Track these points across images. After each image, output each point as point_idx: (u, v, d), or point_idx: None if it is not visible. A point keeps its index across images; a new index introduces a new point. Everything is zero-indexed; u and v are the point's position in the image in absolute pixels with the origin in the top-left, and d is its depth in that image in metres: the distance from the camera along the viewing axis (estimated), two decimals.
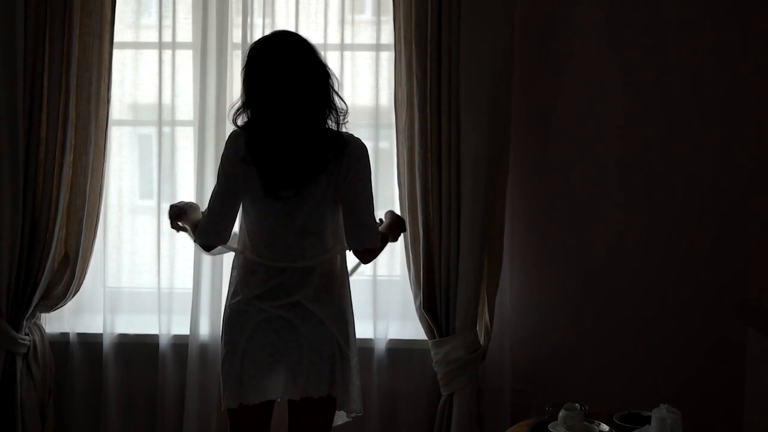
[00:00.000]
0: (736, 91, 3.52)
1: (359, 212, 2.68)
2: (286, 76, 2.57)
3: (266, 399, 2.70)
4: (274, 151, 2.58)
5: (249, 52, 2.65)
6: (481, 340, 3.44)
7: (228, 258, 3.47)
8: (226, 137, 3.38)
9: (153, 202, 3.61)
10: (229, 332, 2.69)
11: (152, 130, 3.62)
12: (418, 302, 3.44)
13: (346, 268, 2.81)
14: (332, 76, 2.65)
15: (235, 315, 2.68)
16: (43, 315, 3.55)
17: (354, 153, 2.66)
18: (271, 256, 2.67)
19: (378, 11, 3.49)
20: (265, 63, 2.59)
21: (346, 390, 2.73)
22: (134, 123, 3.69)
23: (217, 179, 2.69)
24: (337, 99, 2.65)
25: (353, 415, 2.80)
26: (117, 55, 3.46)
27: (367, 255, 2.76)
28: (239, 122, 2.66)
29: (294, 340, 2.66)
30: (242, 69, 2.67)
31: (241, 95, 2.67)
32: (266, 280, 2.67)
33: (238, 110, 2.66)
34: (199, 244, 2.75)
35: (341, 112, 2.66)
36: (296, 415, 2.80)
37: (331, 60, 3.48)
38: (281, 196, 2.61)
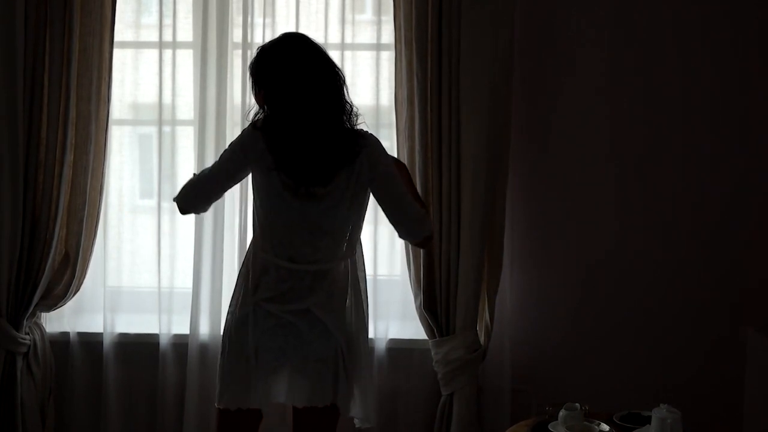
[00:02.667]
0: (738, 92, 3.52)
1: (402, 206, 2.67)
2: (308, 78, 2.56)
3: (268, 402, 2.69)
4: (299, 150, 2.57)
5: (262, 55, 2.63)
6: (482, 340, 3.44)
7: (228, 257, 3.49)
8: (227, 136, 3.41)
9: (153, 202, 3.60)
10: (236, 333, 2.67)
11: (153, 130, 3.62)
12: (418, 302, 3.44)
13: (361, 275, 2.78)
14: (344, 77, 2.65)
15: (244, 317, 2.66)
16: (43, 314, 3.55)
17: (373, 150, 2.65)
18: (284, 255, 2.65)
19: (378, 11, 3.48)
20: (284, 66, 2.58)
21: (350, 396, 2.70)
22: (134, 123, 3.69)
23: (221, 157, 2.68)
24: (349, 98, 2.66)
25: (367, 425, 2.77)
26: (117, 54, 3.46)
27: (425, 243, 2.77)
28: (258, 125, 2.65)
29: (299, 346, 2.64)
30: (253, 72, 2.64)
31: (256, 99, 2.65)
32: (278, 282, 2.65)
33: (257, 114, 2.65)
34: (176, 203, 2.72)
35: (355, 112, 2.67)
36: (300, 420, 2.78)
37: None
38: (302, 194, 2.60)
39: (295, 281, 2.66)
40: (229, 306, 2.74)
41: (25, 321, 3.42)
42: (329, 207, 2.64)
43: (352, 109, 2.66)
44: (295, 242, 2.66)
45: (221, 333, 2.78)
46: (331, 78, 2.61)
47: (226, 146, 2.72)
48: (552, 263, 3.59)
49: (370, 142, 2.67)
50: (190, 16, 3.54)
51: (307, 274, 2.66)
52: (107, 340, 3.53)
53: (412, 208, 2.68)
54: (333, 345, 2.66)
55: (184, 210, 2.74)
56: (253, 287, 2.67)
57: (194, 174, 2.75)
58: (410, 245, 3.40)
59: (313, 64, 2.59)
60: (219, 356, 2.74)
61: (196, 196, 2.71)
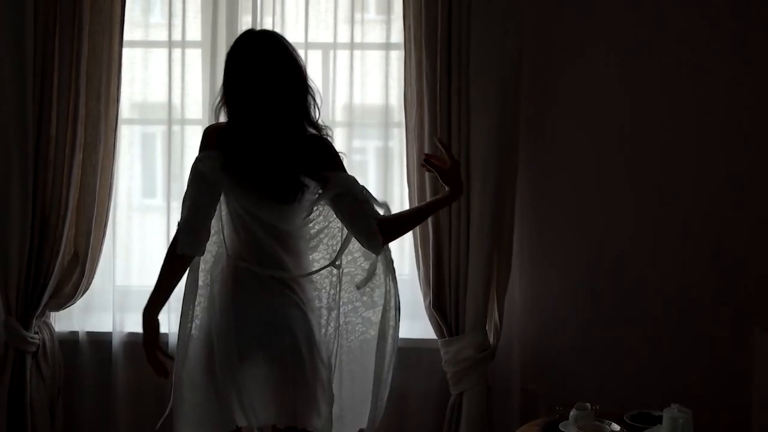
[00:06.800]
0: (741, 93, 3.52)
1: (356, 214, 2.57)
2: (265, 75, 2.49)
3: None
4: (257, 158, 2.51)
5: (232, 47, 2.57)
6: (491, 340, 3.44)
7: None
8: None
9: (162, 201, 3.61)
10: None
11: (162, 129, 3.62)
12: (427, 301, 3.44)
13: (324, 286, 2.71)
14: (309, 79, 2.56)
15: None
16: (52, 313, 3.55)
17: (324, 155, 2.57)
18: (268, 264, 2.59)
19: (388, 10, 3.49)
20: (243, 60, 2.52)
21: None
22: (143, 122, 3.70)
23: (195, 180, 2.53)
24: (313, 102, 2.56)
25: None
26: (126, 53, 3.46)
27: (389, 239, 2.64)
28: (221, 119, 2.59)
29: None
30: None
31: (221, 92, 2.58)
32: (251, 295, 2.59)
33: (218, 107, 2.57)
34: (179, 254, 2.58)
35: (317, 122, 2.58)
36: None
37: (341, 58, 3.50)
38: (265, 204, 2.54)
39: (264, 301, 2.59)
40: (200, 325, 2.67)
41: (34, 320, 3.42)
42: (289, 215, 2.58)
43: (316, 111, 2.56)
44: (264, 254, 2.59)
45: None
46: (297, 80, 2.53)
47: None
48: (561, 263, 3.58)
49: (321, 146, 2.57)
50: (199, 15, 3.55)
51: (277, 283, 2.59)
52: (116, 340, 3.53)
53: (366, 216, 2.57)
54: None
55: (187, 256, 2.61)
56: (226, 307, 2.60)
57: (178, 222, 2.60)
58: (419, 245, 3.41)
59: (273, 62, 2.51)
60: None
61: (194, 235, 2.55)
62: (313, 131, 2.57)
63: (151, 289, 3.62)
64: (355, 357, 2.75)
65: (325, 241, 2.69)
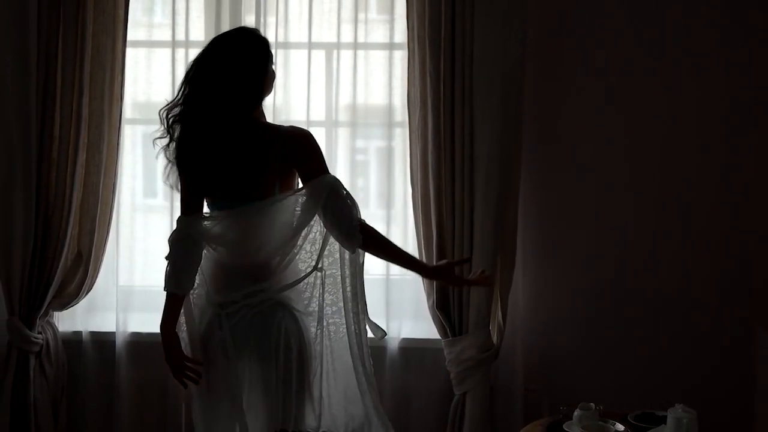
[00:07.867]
0: (744, 93, 3.52)
1: (338, 211, 2.58)
2: (210, 73, 2.55)
3: None
4: (205, 156, 2.57)
5: None
6: (494, 340, 3.44)
7: None
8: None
9: (164, 201, 3.60)
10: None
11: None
12: (430, 301, 3.44)
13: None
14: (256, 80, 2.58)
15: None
16: (55, 313, 3.55)
17: (295, 145, 2.59)
18: (242, 297, 2.62)
19: (392, 10, 3.49)
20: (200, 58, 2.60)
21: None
22: (147, 122, 3.69)
23: (179, 236, 2.66)
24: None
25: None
26: (130, 53, 3.46)
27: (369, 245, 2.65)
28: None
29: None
30: None
31: None
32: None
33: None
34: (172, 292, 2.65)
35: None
36: None
37: (344, 58, 3.50)
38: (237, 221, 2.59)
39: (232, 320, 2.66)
40: None
41: (38, 320, 3.42)
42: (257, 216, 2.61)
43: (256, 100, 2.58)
44: (245, 279, 2.65)
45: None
46: (233, 72, 2.55)
47: None
48: (564, 263, 3.59)
49: (289, 135, 2.60)
50: (203, 15, 3.55)
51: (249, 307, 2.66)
52: (119, 339, 3.53)
53: (342, 214, 2.59)
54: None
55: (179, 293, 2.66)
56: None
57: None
58: (423, 245, 3.41)
59: (220, 56, 2.56)
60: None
61: (183, 283, 2.65)
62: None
63: (153, 289, 3.65)
64: (340, 356, 2.75)
65: (307, 248, 2.68)
